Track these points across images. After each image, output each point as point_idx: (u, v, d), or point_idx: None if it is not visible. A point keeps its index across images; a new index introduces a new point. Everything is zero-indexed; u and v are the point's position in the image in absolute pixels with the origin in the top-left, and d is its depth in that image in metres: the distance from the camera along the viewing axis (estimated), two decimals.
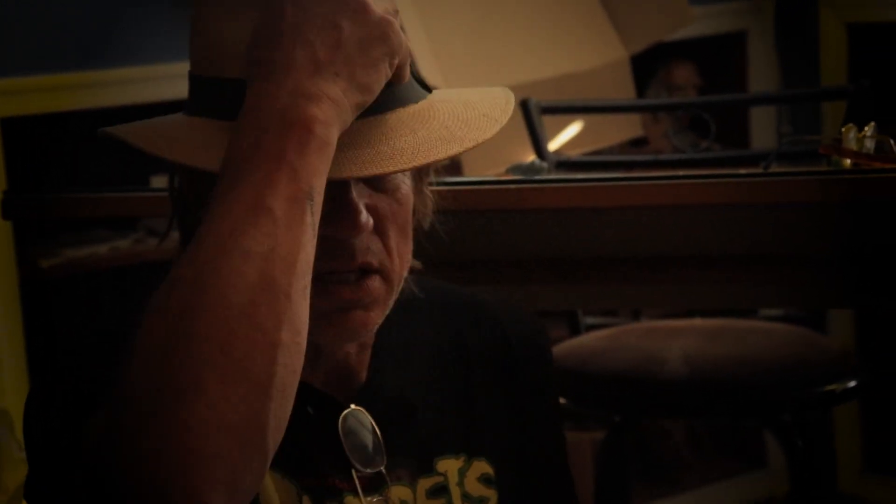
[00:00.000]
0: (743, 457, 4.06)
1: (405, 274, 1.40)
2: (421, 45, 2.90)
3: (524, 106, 2.55)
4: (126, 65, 3.00)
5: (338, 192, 1.30)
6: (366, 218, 1.32)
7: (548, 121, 2.63)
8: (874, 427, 3.97)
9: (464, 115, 1.37)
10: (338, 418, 1.43)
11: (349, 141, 1.28)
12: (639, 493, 3.63)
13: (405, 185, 1.37)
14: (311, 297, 1.30)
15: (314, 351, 1.42)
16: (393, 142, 1.30)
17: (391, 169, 1.27)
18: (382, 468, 1.45)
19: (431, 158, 1.31)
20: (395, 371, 1.49)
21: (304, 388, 1.43)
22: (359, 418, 1.45)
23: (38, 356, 2.98)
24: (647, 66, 3.70)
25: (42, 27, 2.93)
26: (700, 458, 4.06)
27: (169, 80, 2.89)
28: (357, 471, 1.44)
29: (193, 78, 1.36)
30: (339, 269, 1.33)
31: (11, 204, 2.05)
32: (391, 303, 1.39)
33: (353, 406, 1.44)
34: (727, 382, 2.31)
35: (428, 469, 1.49)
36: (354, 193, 1.31)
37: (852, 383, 2.33)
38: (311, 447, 1.43)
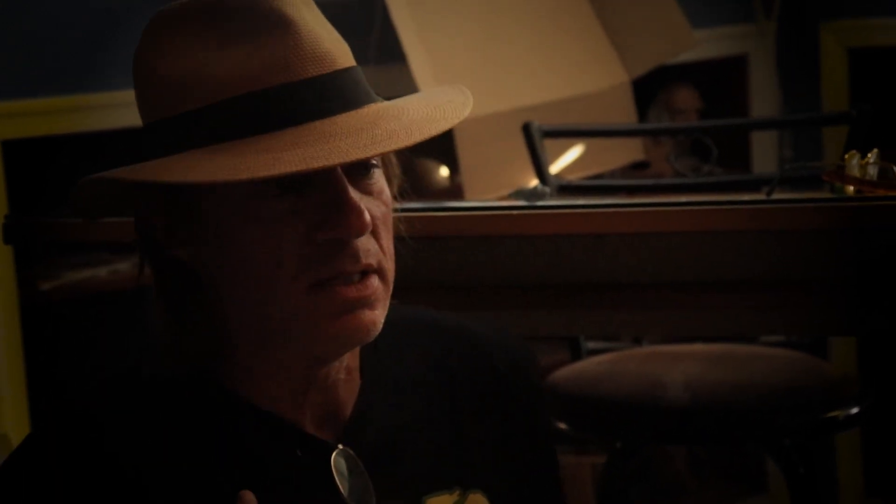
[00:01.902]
0: (744, 482, 4.06)
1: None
2: (422, 68, 2.91)
3: (526, 130, 2.56)
4: (127, 87, 3.00)
5: (338, 195, 1.31)
6: (369, 219, 1.32)
7: (549, 144, 2.63)
8: (876, 453, 3.97)
9: (433, 104, 1.39)
10: (327, 459, 1.43)
11: (336, 131, 1.29)
12: None
13: (387, 189, 1.38)
14: (318, 304, 1.32)
15: (306, 381, 1.42)
16: (383, 126, 1.31)
17: (394, 146, 1.28)
18: None
19: (426, 135, 1.32)
20: (382, 408, 1.49)
21: (292, 430, 1.43)
22: (347, 457, 1.45)
23: (38, 379, 2.98)
24: (649, 89, 3.71)
25: (43, 51, 2.94)
26: (701, 483, 4.06)
27: None
28: None
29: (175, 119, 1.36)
30: (345, 271, 1.33)
31: (12, 228, 2.05)
32: (388, 303, 1.39)
33: (340, 446, 1.44)
34: (728, 408, 2.31)
35: None
36: (353, 194, 1.31)
37: (854, 410, 2.33)
38: (300, 494, 1.42)
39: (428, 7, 3.09)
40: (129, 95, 3.09)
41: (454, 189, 3.29)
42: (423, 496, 1.49)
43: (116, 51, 2.98)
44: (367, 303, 1.34)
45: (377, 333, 1.36)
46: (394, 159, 1.41)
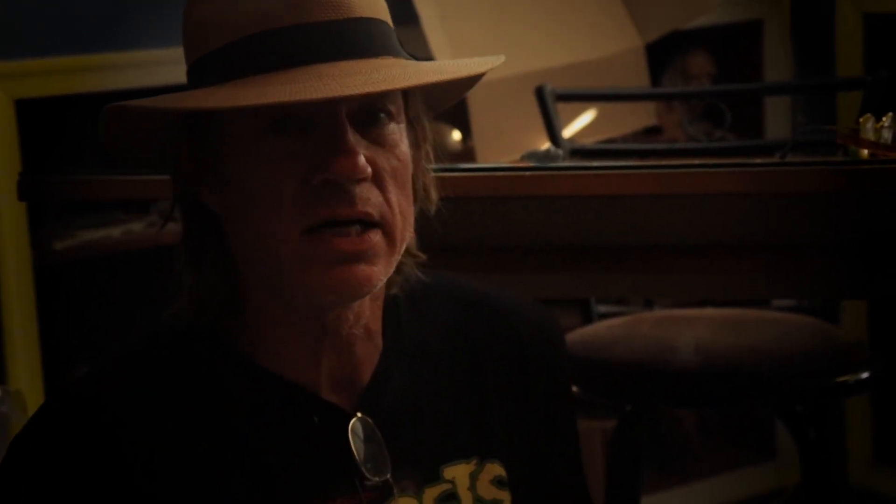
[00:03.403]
0: (753, 447, 4.06)
1: (408, 236, 1.40)
2: (436, 33, 2.91)
3: (539, 93, 2.56)
4: (142, 47, 3.00)
5: (335, 135, 1.31)
6: (364, 162, 1.32)
7: (562, 108, 2.63)
8: (885, 419, 3.97)
9: (449, 62, 1.40)
10: (345, 427, 1.43)
11: (335, 73, 1.30)
12: (649, 483, 3.62)
13: (403, 143, 1.38)
14: (312, 251, 1.32)
15: (318, 337, 1.42)
16: (385, 72, 1.32)
17: (383, 87, 1.28)
18: (389, 477, 1.44)
19: (424, 80, 1.32)
20: (401, 374, 1.49)
21: (309, 397, 1.43)
22: (364, 425, 1.45)
23: (51, 338, 2.99)
24: (663, 54, 3.70)
25: (56, 9, 2.93)
26: (710, 448, 4.07)
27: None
28: (366, 480, 1.43)
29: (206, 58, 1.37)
30: (339, 215, 1.32)
31: (27, 185, 2.06)
32: (394, 262, 1.38)
33: (359, 414, 1.44)
34: (739, 372, 2.31)
35: (434, 477, 1.48)
36: (351, 137, 1.31)
37: (865, 375, 2.34)
38: (313, 463, 1.42)
39: None
40: (144, 55, 3.12)
41: (466, 152, 3.29)
42: (440, 465, 1.49)
43: (131, 10, 2.98)
44: (363, 257, 1.34)
45: (374, 289, 1.36)
46: (424, 121, 1.41)
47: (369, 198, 1.34)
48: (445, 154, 3.40)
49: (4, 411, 2.61)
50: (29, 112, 2.93)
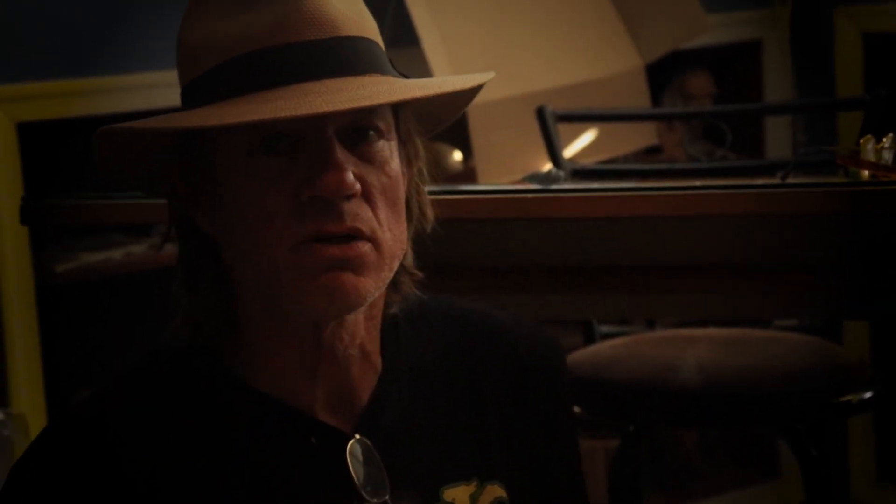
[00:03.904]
0: (755, 466, 4.06)
1: (401, 254, 1.39)
2: (437, 55, 2.91)
3: (540, 114, 2.56)
4: (142, 70, 3.01)
5: (323, 152, 1.32)
6: (352, 178, 1.32)
7: (563, 128, 2.63)
8: (888, 437, 3.97)
9: (438, 78, 1.42)
10: (343, 449, 1.42)
11: (321, 90, 1.30)
12: (651, 502, 3.63)
13: (394, 160, 1.38)
14: (302, 261, 1.32)
15: (313, 355, 1.42)
16: (371, 88, 1.32)
17: (368, 103, 1.29)
18: (388, 499, 1.44)
19: (408, 96, 1.33)
20: (400, 395, 1.48)
21: (306, 419, 1.43)
22: (363, 447, 1.45)
23: (53, 359, 2.99)
24: (663, 74, 3.70)
25: (57, 33, 2.94)
26: (712, 467, 4.06)
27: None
28: (365, 502, 1.43)
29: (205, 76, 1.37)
30: (328, 230, 1.32)
31: (29, 210, 2.06)
32: (385, 277, 1.38)
33: (357, 436, 1.44)
34: (741, 392, 2.31)
35: (434, 499, 1.48)
36: (339, 154, 1.32)
37: (867, 394, 2.33)
38: (311, 487, 1.42)
39: None
40: (141, 78, 3.12)
41: (467, 173, 3.29)
42: (440, 486, 1.49)
43: (129, 35, 2.99)
44: (350, 265, 1.34)
45: (364, 302, 1.36)
46: (416, 139, 1.42)
47: (358, 213, 1.34)
48: (446, 174, 3.41)
49: (7, 435, 2.60)
50: (31, 135, 2.93)
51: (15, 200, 2.64)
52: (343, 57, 1.34)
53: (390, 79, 1.36)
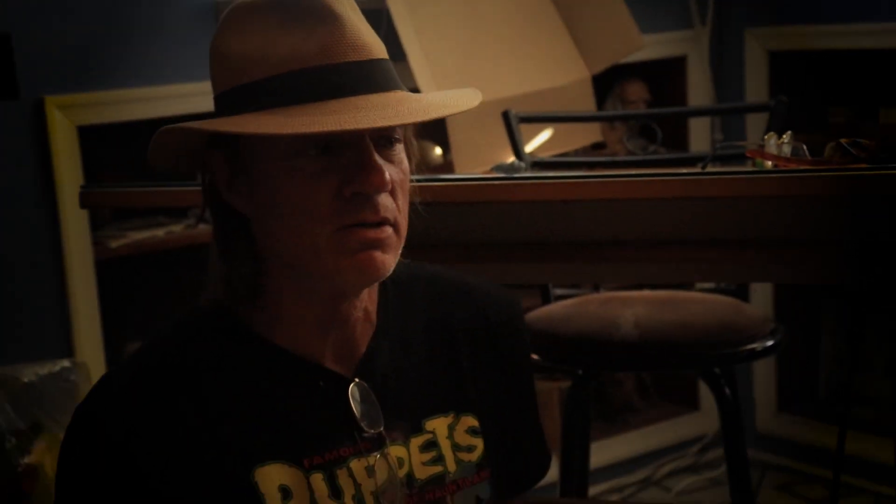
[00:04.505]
0: (680, 402, 4.07)
1: (406, 234, 1.40)
2: (420, 67, 2.89)
3: (505, 116, 2.56)
4: (175, 82, 2.99)
5: (364, 157, 1.32)
6: (388, 179, 1.34)
7: (524, 128, 2.63)
8: (786, 377, 3.99)
9: (447, 95, 1.40)
10: (345, 390, 1.43)
11: (367, 105, 1.30)
12: (596, 432, 3.63)
13: (405, 159, 1.40)
14: (343, 242, 1.33)
15: (328, 319, 1.42)
16: (406, 105, 1.32)
17: (413, 119, 1.30)
18: (382, 429, 1.44)
19: (442, 113, 1.34)
20: (390, 347, 1.49)
21: (315, 367, 1.43)
22: (361, 388, 1.45)
23: (109, 318, 2.98)
24: (605, 83, 3.70)
25: (108, 52, 2.92)
26: (646, 403, 4.07)
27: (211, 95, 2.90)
28: (364, 433, 1.43)
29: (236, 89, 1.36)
30: (367, 219, 1.33)
31: (87, 196, 2.05)
32: (399, 252, 1.39)
33: (356, 380, 1.44)
34: (670, 342, 2.31)
35: (419, 429, 1.48)
36: (377, 158, 1.32)
37: (770, 342, 2.34)
38: (320, 421, 1.42)
39: (423, 15, 3.07)
40: (175, 89, 3.09)
41: (446, 165, 3.28)
42: (423, 419, 1.49)
43: (165, 53, 2.97)
44: (380, 245, 1.35)
45: (387, 274, 1.37)
46: (414, 141, 1.42)
47: (387, 205, 1.35)
48: (429, 166, 3.41)
49: (73, 379, 2.60)
50: (88, 136, 2.92)
51: (75, 189, 2.62)
52: (377, 76, 1.33)
53: (413, 95, 1.36)
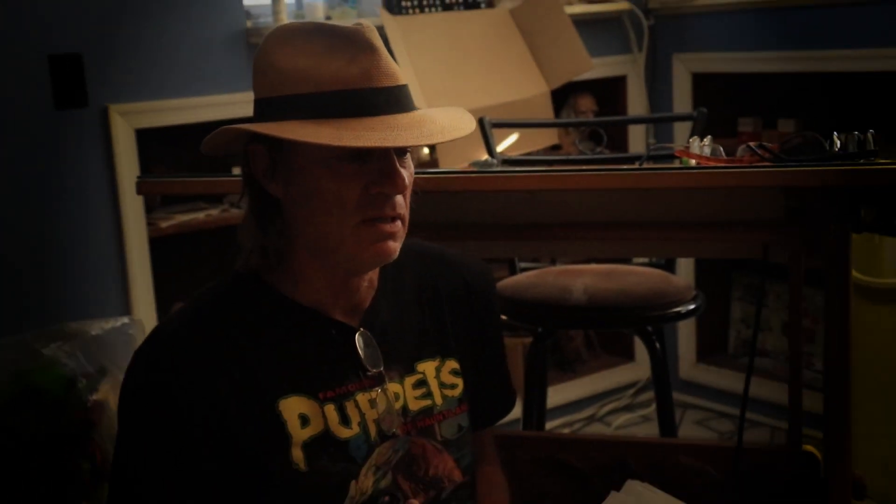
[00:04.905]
0: (619, 354, 4.08)
1: None
2: (412, 82, 2.89)
3: (481, 122, 2.55)
4: (214, 93, 2.98)
5: (389, 165, 1.33)
6: (406, 183, 1.35)
7: (496, 132, 2.63)
8: (704, 334, 4.00)
9: (452, 117, 1.41)
10: (352, 338, 1.43)
11: (397, 124, 1.31)
12: (552, 379, 3.64)
13: (412, 165, 1.40)
14: (365, 233, 1.34)
15: (341, 287, 1.42)
16: (427, 126, 1.33)
17: (434, 141, 1.32)
18: (382, 370, 1.44)
19: (455, 136, 1.35)
20: (388, 304, 1.49)
21: (329, 320, 1.43)
22: (365, 336, 1.45)
23: (161, 283, 2.98)
24: (561, 97, 3.70)
25: (159, 68, 2.91)
26: (592, 354, 4.08)
27: (244, 104, 2.89)
28: (367, 372, 1.43)
29: (282, 99, 1.34)
30: (384, 215, 1.34)
31: (142, 185, 2.05)
32: (403, 239, 1.40)
33: (361, 329, 1.44)
34: (611, 306, 2.32)
35: (411, 370, 1.49)
36: (398, 165, 1.33)
37: (692, 306, 2.35)
38: (332, 363, 1.42)
39: (414, 41, 3.07)
40: (216, 98, 3.07)
41: (433, 162, 3.27)
42: (415, 362, 1.50)
43: (209, 67, 2.96)
44: (392, 237, 1.37)
45: (395, 257, 1.38)
46: (417, 149, 1.43)
47: (400, 203, 1.36)
48: (420, 162, 3.41)
49: (132, 333, 2.59)
50: (144, 137, 2.91)
51: (132, 179, 2.60)
52: (403, 98, 1.34)
53: (430, 115, 1.36)
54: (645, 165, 2.00)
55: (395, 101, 1.32)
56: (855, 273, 3.23)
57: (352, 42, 1.31)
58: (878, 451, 3.05)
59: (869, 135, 1.76)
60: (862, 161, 1.70)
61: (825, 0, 3.29)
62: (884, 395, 3.04)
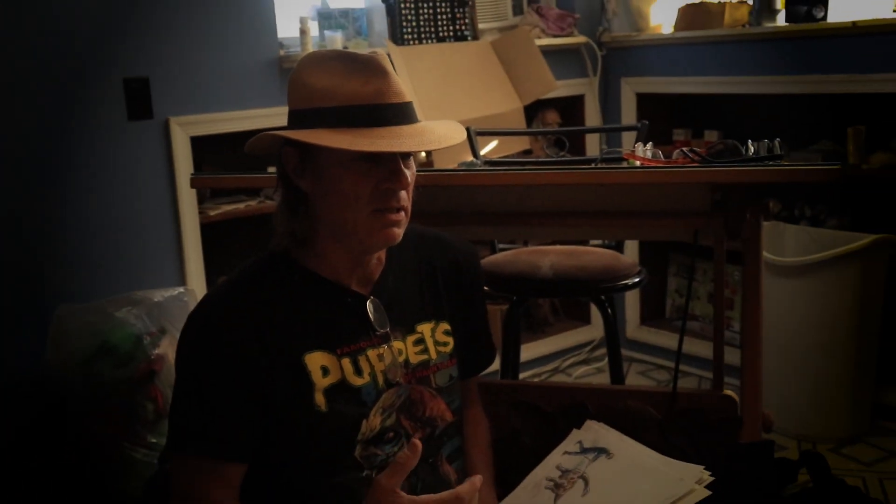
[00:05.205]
0: (578, 318, 4.07)
1: None
2: (412, 99, 2.87)
3: (467, 131, 2.54)
4: (252, 108, 2.96)
5: (395, 166, 1.32)
6: (409, 181, 1.35)
7: (479, 139, 2.62)
8: (646, 301, 4.00)
9: (448, 127, 1.41)
10: (364, 304, 1.42)
11: (405, 133, 1.30)
12: (524, 338, 3.64)
13: (414, 166, 1.38)
14: (375, 222, 1.33)
15: (356, 262, 1.41)
16: (429, 135, 1.32)
17: (435, 146, 1.30)
18: (388, 330, 1.44)
19: (450, 143, 1.34)
20: (394, 277, 1.49)
21: (345, 289, 1.42)
22: (374, 303, 1.44)
23: (210, 261, 2.96)
24: (532, 111, 3.68)
25: (209, 87, 2.89)
26: (557, 319, 4.08)
27: (277, 116, 2.87)
28: (376, 332, 1.42)
29: (308, 111, 1.33)
30: (391, 206, 1.33)
31: (195, 181, 2.03)
32: (406, 226, 1.38)
33: (372, 297, 1.43)
34: (572, 279, 2.31)
35: (412, 330, 1.48)
36: (403, 166, 1.32)
37: (637, 279, 2.34)
38: (348, 324, 1.41)
39: (414, 66, 3.05)
40: (254, 112, 3.04)
41: (429, 162, 3.26)
42: (415, 324, 1.49)
43: (249, 86, 2.93)
44: (398, 224, 1.36)
45: (399, 241, 1.38)
46: (418, 153, 1.43)
47: (404, 196, 1.35)
48: (418, 163, 3.39)
49: (186, 300, 2.58)
50: (198, 143, 2.89)
51: (187, 176, 2.58)
52: (409, 113, 1.32)
53: (429, 128, 1.35)
54: (599, 166, 1.98)
55: (402, 114, 1.31)
56: (765, 253, 3.25)
57: (368, 66, 1.30)
58: (782, 394, 3.06)
59: (776, 142, 1.76)
60: (770, 163, 1.70)
61: (740, 36, 3.32)
62: (786, 350, 3.05)
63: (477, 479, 1.32)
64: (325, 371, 1.36)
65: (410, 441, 1.25)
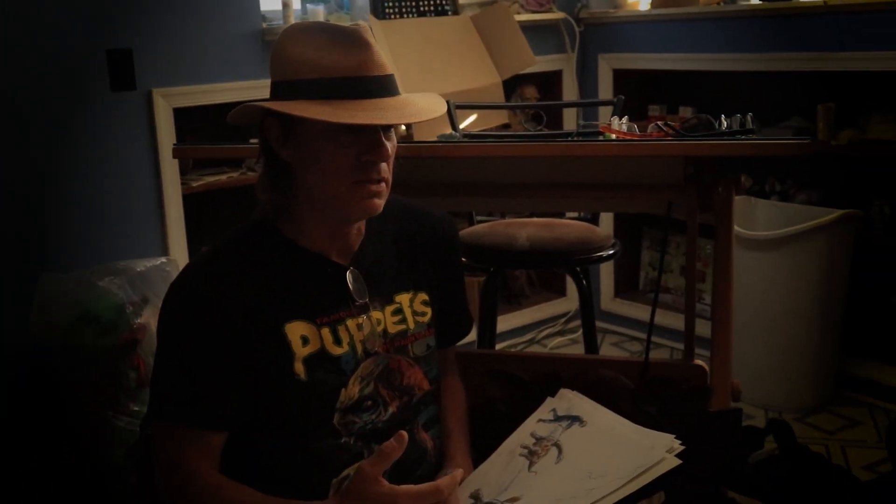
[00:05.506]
0: (554, 290, 4.09)
1: None
2: (391, 67, 2.84)
3: (447, 104, 2.51)
4: (234, 80, 2.93)
5: (376, 138, 1.31)
6: (389, 153, 1.34)
7: (459, 113, 2.59)
8: (620, 273, 4.01)
9: (429, 100, 1.41)
10: (344, 275, 1.41)
11: (386, 106, 1.29)
12: (501, 309, 3.64)
13: (395, 138, 1.37)
14: (357, 192, 1.32)
15: (336, 232, 1.40)
16: (410, 108, 1.31)
17: (416, 119, 1.29)
18: (367, 300, 1.43)
19: (431, 116, 1.33)
20: (373, 247, 1.48)
21: (326, 260, 1.41)
22: (354, 274, 1.43)
23: (192, 230, 2.94)
24: (511, 86, 3.66)
25: (192, 59, 2.85)
26: (533, 290, 4.09)
27: (259, 88, 2.83)
28: (355, 302, 1.42)
29: (290, 82, 1.31)
30: (372, 178, 1.32)
31: (177, 151, 2.00)
32: (386, 197, 1.37)
33: (351, 268, 1.43)
34: (548, 250, 2.31)
35: (390, 301, 1.48)
36: (384, 138, 1.30)
37: (611, 252, 2.35)
38: (328, 294, 1.40)
39: (393, 40, 3.02)
40: (234, 84, 3.00)
41: (409, 135, 3.23)
42: (393, 294, 1.48)
43: (232, 58, 2.90)
44: (378, 195, 1.35)
45: (380, 211, 1.36)
46: (398, 125, 1.41)
47: (385, 168, 1.34)
48: (399, 136, 3.37)
49: (168, 270, 2.56)
50: (180, 114, 2.86)
51: (170, 147, 2.55)
52: (390, 86, 1.31)
53: (411, 100, 1.34)
54: (576, 139, 1.98)
55: (383, 87, 1.30)
56: (736, 227, 3.26)
57: (350, 38, 1.29)
58: (750, 364, 3.09)
59: (749, 117, 1.76)
60: (741, 137, 1.69)
61: (714, 14, 3.32)
62: (755, 322, 3.07)
63: (458, 473, 1.32)
64: (304, 340, 1.35)
65: (397, 433, 1.24)
